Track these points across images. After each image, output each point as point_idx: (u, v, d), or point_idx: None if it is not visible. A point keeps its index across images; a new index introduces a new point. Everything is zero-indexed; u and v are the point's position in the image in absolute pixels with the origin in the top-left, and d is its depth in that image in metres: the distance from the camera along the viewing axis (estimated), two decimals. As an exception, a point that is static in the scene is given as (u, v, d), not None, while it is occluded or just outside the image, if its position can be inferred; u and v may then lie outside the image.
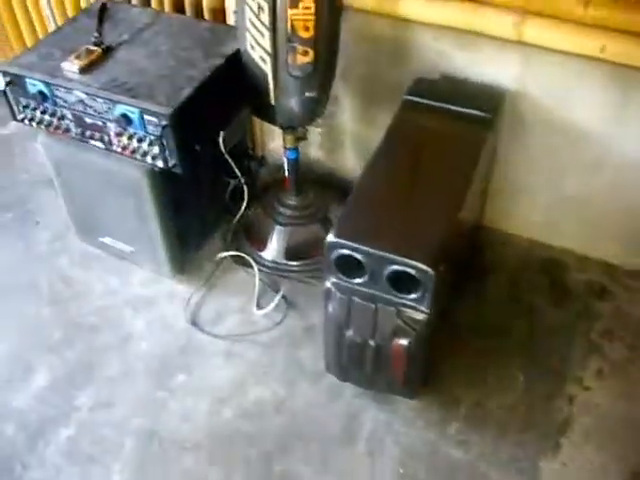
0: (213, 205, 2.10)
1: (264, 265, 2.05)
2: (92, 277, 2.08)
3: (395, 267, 1.44)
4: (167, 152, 1.70)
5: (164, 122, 1.64)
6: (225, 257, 2.08)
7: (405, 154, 1.68)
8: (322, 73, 1.73)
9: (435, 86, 1.85)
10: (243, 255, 2.08)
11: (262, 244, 2.09)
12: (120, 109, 1.68)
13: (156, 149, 1.70)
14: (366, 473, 1.65)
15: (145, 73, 1.74)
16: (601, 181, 1.91)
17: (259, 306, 1.97)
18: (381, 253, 1.45)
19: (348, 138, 2.21)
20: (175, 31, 1.89)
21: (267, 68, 1.72)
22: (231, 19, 2.03)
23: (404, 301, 1.50)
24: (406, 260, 1.43)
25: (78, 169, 1.92)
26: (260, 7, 1.63)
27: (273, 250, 2.07)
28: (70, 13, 2.34)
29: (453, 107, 1.76)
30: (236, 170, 1.99)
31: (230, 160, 1.95)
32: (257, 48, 1.70)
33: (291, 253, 2.06)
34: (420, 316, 1.51)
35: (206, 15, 2.09)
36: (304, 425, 1.74)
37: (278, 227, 2.07)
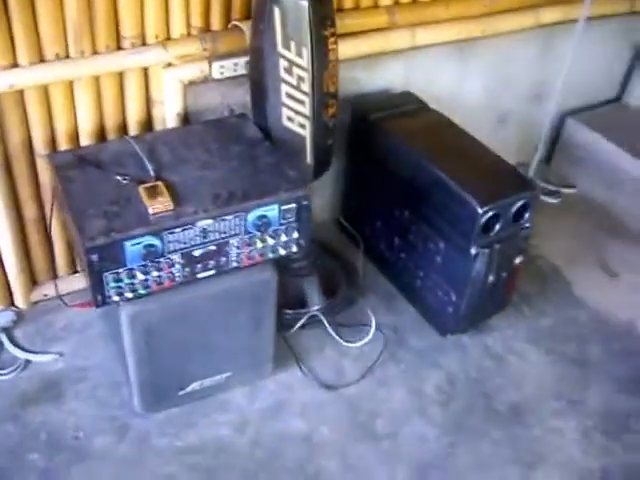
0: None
1: (317, 315, 2.18)
2: (208, 431, 1.86)
3: (519, 203, 1.95)
4: (302, 232, 1.75)
5: (305, 202, 1.71)
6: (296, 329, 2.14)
7: (428, 144, 2.11)
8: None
9: (372, 101, 2.30)
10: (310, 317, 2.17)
11: (302, 302, 2.19)
12: (256, 214, 1.65)
13: (294, 234, 1.74)
14: (536, 369, 2.14)
15: (230, 180, 1.71)
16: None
17: (350, 342, 2.14)
18: (509, 199, 1.93)
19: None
20: (182, 142, 1.83)
21: (306, 132, 1.90)
22: (168, 123, 2.03)
23: (519, 227, 2.01)
24: (523, 194, 1.96)
25: (174, 320, 1.72)
26: (300, 78, 1.82)
27: (314, 299, 2.20)
28: None
29: (402, 109, 2.26)
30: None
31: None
32: (296, 118, 1.87)
33: (327, 292, 2.24)
34: (527, 232, 2.05)
35: (133, 129, 2.01)
36: (477, 384, 2.07)
37: (305, 280, 2.20)
